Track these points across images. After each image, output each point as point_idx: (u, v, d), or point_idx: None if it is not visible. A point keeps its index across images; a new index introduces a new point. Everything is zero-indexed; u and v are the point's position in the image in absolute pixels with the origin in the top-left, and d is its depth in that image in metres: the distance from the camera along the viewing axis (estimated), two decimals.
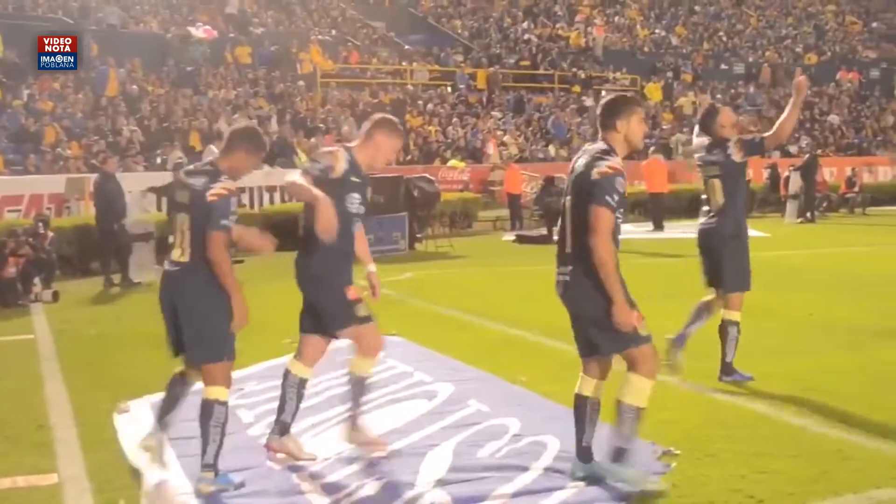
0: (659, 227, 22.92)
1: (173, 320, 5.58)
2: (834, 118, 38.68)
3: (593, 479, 5.41)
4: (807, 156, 29.08)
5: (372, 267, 6.44)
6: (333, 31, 35.24)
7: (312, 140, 26.74)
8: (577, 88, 35.87)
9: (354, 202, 6.02)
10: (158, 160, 23.30)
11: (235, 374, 8.35)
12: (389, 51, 35.02)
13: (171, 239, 5.64)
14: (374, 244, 18.63)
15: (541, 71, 36.31)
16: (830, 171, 31.26)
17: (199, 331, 5.49)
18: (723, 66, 40.90)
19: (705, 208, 7.93)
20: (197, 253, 5.42)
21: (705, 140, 7.92)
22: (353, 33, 35.65)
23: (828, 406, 6.88)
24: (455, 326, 10.85)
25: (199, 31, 31.33)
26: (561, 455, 5.87)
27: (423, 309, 12.05)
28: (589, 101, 34.93)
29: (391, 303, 12.65)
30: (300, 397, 6.18)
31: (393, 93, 31.59)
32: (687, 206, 26.66)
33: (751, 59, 41.71)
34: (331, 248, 5.84)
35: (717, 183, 7.78)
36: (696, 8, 45.61)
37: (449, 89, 33.34)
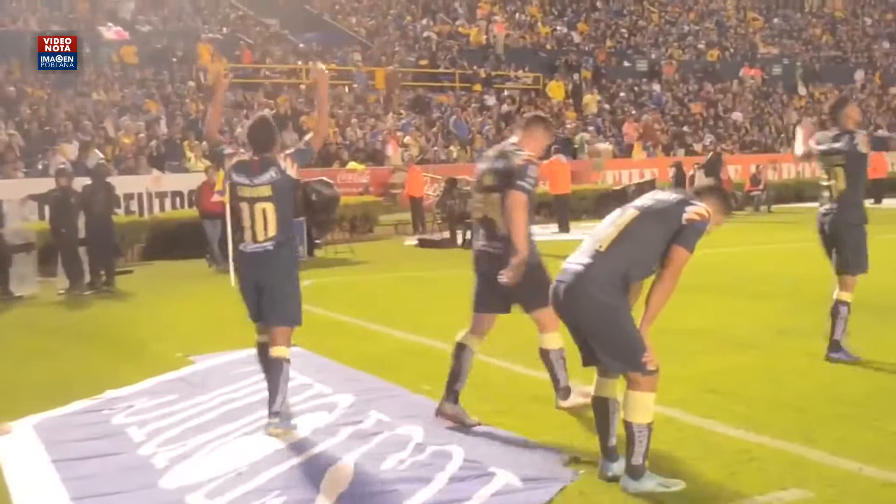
0: (565, 228, 23.20)
1: (255, 292, 6.90)
2: (737, 115, 39.66)
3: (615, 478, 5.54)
4: (710, 153, 29.80)
5: None
6: (224, 30, 34.87)
7: (204, 143, 26.43)
8: (478, 87, 36.10)
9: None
10: (40, 166, 22.75)
11: (124, 391, 8.29)
12: (283, 49, 34.78)
13: (245, 224, 6.93)
14: None
15: (441, 69, 36.45)
16: (735, 169, 32.02)
17: (277, 300, 6.89)
18: (626, 64, 41.57)
19: (825, 194, 8.57)
20: (282, 234, 6.92)
21: (830, 132, 8.66)
22: (245, 31, 35.32)
23: (732, 406, 7.08)
24: (356, 335, 10.85)
25: (109, 33, 30.76)
26: (465, 465, 5.92)
27: (322, 318, 12.00)
28: (491, 100, 35.22)
29: None
30: (470, 367, 7.07)
31: (288, 93, 31.41)
32: (592, 207, 27.19)
33: (653, 56, 42.49)
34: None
35: (840, 171, 8.45)
36: (598, 4, 46.29)
37: (346, 89, 33.26)
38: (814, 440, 6.21)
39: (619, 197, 27.59)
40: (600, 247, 5.47)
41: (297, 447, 6.48)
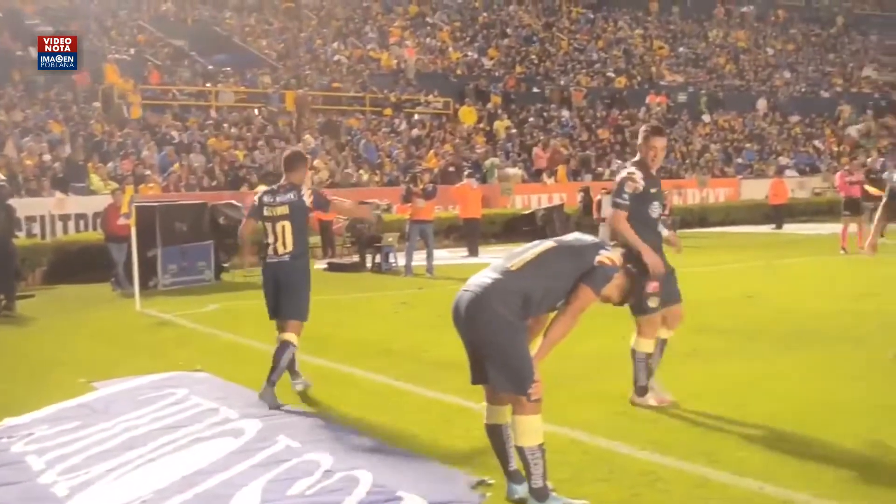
0: (474, 252, 23.33)
1: (275, 294, 8.67)
2: None
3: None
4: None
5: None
6: (132, 50, 34.44)
7: (109, 165, 26.05)
8: (388, 111, 36.18)
9: (655, 210, 7.92)
10: None
11: (24, 419, 8.09)
12: (192, 71, 34.46)
13: (269, 239, 8.67)
14: (178, 274, 18.49)
15: (352, 93, 36.47)
16: None
17: (294, 300, 8.64)
18: (535, 90, 42.06)
19: None
20: (298, 248, 8.63)
21: None
22: (153, 52, 34.93)
23: (638, 428, 7.19)
24: (264, 360, 10.64)
25: None
26: (374, 489, 5.91)
27: (230, 342, 11.89)
28: (401, 125, 35.31)
29: (196, 336, 12.45)
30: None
31: (197, 115, 31.11)
32: (501, 231, 27.40)
33: (562, 83, 43.05)
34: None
35: None
36: (508, 31, 46.81)
37: (256, 112, 33.07)
38: (717, 461, 6.33)
39: (528, 221, 27.92)
40: (512, 266, 5.53)
41: (203, 474, 6.38)
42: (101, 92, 30.25)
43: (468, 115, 37.61)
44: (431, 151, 33.21)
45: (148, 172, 26.20)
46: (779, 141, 43.88)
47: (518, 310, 5.40)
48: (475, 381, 5.63)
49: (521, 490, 5.62)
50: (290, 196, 8.61)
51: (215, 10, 40.69)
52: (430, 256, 19.82)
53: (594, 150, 37.96)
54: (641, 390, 7.90)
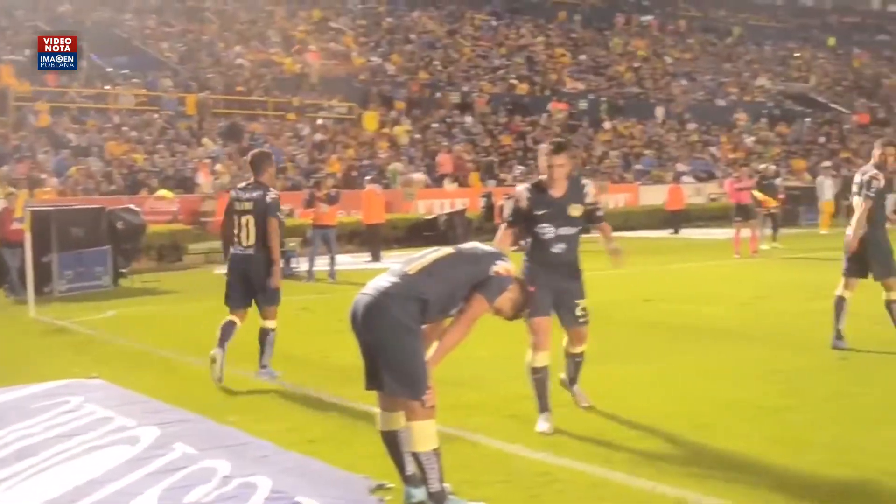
0: (376, 257, 23.31)
1: (238, 284, 9.63)
2: (545, 148, 40.67)
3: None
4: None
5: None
6: (27, 52, 33.63)
7: (4, 168, 25.41)
8: (291, 116, 35.97)
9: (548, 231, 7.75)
10: None
11: None
12: (91, 73, 33.79)
13: (236, 230, 9.53)
14: (74, 280, 18.08)
15: (254, 97, 36.16)
16: None
17: (266, 289, 9.58)
18: (438, 95, 42.21)
19: None
20: (259, 241, 9.46)
21: None
22: None
23: (533, 430, 7.25)
24: (162, 367, 10.60)
25: None
26: (272, 496, 5.88)
27: (127, 349, 11.69)
28: (304, 129, 35.12)
29: (92, 343, 12.22)
30: None
31: (95, 118, 30.52)
32: (404, 236, 27.41)
33: (465, 89, 43.28)
34: None
35: None
36: (412, 37, 46.91)
37: (156, 115, 32.57)
38: (612, 461, 6.45)
39: (431, 226, 28.00)
40: (410, 270, 5.55)
41: (96, 483, 6.26)
42: None
43: (371, 120, 37.57)
44: (334, 156, 33.11)
45: (44, 176, 25.64)
46: (676, 148, 44.71)
47: (415, 314, 5.42)
48: (369, 387, 5.63)
49: (419, 494, 5.63)
50: (256, 194, 9.49)
51: (115, 12, 39.97)
52: (332, 261, 19.75)
53: (496, 155, 38.23)
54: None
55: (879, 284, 10.22)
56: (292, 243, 21.27)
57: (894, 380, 9.04)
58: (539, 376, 7.43)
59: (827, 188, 30.88)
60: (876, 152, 10.42)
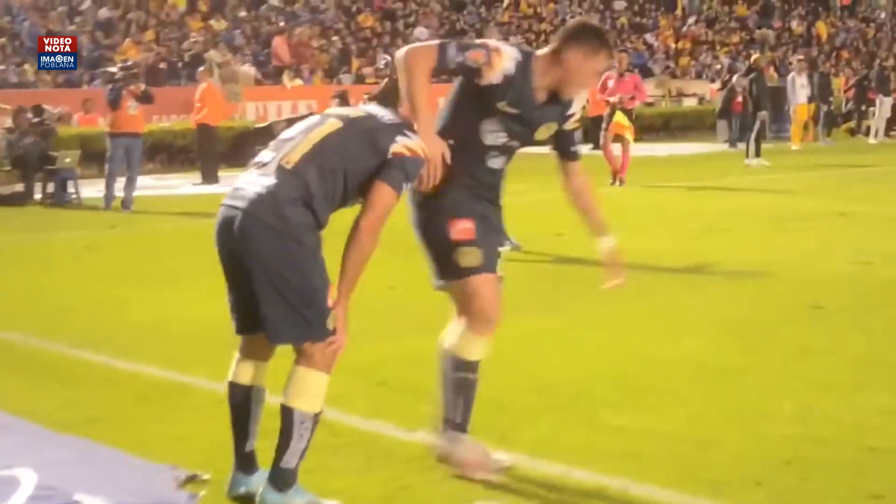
0: (212, 178, 23.39)
1: None
2: (421, 31, 40.51)
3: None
4: (386, 80, 30.41)
5: None
6: None
7: None
8: None
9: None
10: None
11: None
12: None
13: None
14: None
15: None
16: None
17: None
18: None
19: None
20: None
21: None
22: None
23: (409, 403, 7.31)
24: None
25: None
26: (39, 493, 5.84)
27: None
28: (85, 3, 34.42)
29: None
30: None
31: None
32: (227, 149, 27.13)
33: None
34: None
35: None
36: None
37: None
38: (510, 440, 6.52)
39: (264, 137, 27.75)
40: (286, 162, 5.33)
41: None
42: None
43: None
44: (128, 40, 32.57)
45: None
46: None
47: (303, 222, 5.23)
48: (242, 331, 5.55)
49: (252, 481, 5.57)
50: None
51: None
52: (131, 184, 19.46)
53: (354, 41, 38.06)
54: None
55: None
56: (68, 159, 20.91)
57: (874, 334, 9.34)
58: (470, 377, 6.39)
59: (800, 89, 31.49)
60: None
